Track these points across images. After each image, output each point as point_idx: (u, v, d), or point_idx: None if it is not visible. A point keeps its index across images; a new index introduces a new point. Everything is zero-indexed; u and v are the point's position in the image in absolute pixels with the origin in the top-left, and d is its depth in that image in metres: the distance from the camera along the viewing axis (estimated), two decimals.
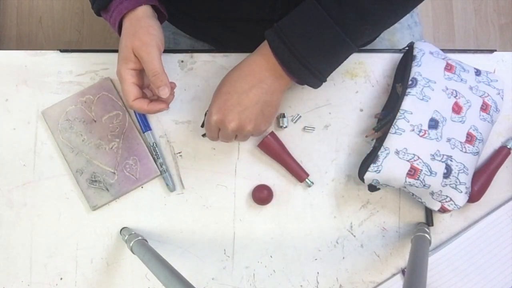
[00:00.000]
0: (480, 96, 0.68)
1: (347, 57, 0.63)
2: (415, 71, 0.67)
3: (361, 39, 0.61)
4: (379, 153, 0.64)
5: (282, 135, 0.72)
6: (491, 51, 0.74)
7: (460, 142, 0.65)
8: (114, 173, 0.71)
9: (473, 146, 0.65)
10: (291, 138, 0.72)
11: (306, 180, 0.70)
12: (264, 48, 0.62)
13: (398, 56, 0.73)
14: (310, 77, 0.61)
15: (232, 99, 0.62)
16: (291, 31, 0.60)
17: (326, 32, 0.59)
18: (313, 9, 0.59)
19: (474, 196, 0.68)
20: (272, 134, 0.70)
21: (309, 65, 0.60)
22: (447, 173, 0.64)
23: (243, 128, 0.63)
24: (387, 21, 0.62)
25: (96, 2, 0.65)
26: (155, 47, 0.62)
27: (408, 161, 0.63)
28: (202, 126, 0.72)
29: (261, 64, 0.62)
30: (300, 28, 0.59)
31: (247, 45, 0.78)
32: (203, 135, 0.72)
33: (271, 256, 0.71)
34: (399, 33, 0.86)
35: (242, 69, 0.63)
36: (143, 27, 0.62)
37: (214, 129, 0.65)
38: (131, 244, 0.64)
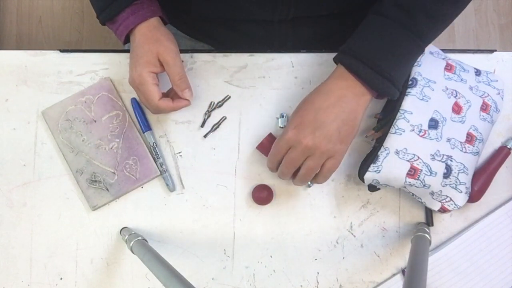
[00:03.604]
0: (480, 96, 0.68)
1: (416, 60, 0.66)
2: (415, 71, 0.67)
3: (430, 40, 0.64)
4: (379, 153, 0.64)
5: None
6: (491, 51, 0.74)
7: (460, 142, 0.65)
8: (114, 173, 0.71)
9: (473, 146, 0.65)
10: None
11: None
12: (339, 72, 0.63)
13: None
14: (391, 87, 0.61)
15: (309, 115, 0.61)
16: (366, 51, 0.61)
17: (402, 41, 0.61)
18: (382, 22, 0.61)
19: (474, 196, 0.68)
20: (270, 135, 0.70)
21: (390, 76, 0.61)
22: (447, 173, 0.64)
23: (318, 147, 0.60)
24: (452, 19, 0.64)
25: (103, 14, 0.67)
26: (178, 53, 0.67)
27: (408, 161, 0.63)
28: (202, 126, 0.72)
29: (340, 84, 0.62)
30: (375, 45, 0.61)
31: (247, 46, 0.79)
32: (205, 136, 0.72)
33: (271, 256, 0.71)
34: None
35: (320, 90, 0.63)
36: (164, 35, 0.67)
37: (283, 150, 0.62)
38: (131, 244, 0.64)
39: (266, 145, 0.70)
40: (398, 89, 0.62)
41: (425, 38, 0.63)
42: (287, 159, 0.62)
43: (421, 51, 0.64)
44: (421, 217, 0.71)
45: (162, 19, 0.69)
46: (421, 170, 0.63)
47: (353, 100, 0.61)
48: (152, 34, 0.66)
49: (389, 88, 0.61)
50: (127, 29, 0.66)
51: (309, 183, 0.70)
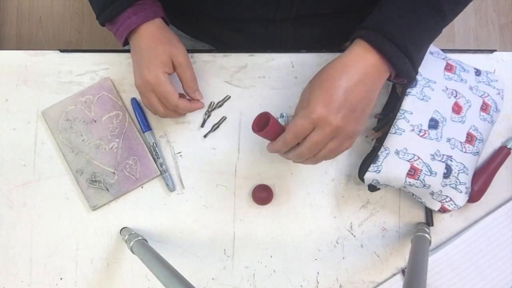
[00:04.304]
0: (480, 96, 0.68)
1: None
2: None
3: (448, 23, 0.62)
4: (379, 153, 0.64)
5: None
6: (491, 51, 0.74)
7: (460, 142, 0.65)
8: (114, 173, 0.71)
9: (473, 146, 0.65)
10: None
11: None
12: (360, 48, 0.58)
13: None
14: (411, 69, 0.59)
15: (337, 93, 0.56)
16: (393, 27, 0.58)
17: (426, 20, 0.59)
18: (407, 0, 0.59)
19: (474, 196, 0.68)
20: (266, 114, 0.58)
21: (411, 56, 0.58)
22: (447, 173, 0.64)
23: (346, 129, 0.56)
24: (468, 3, 0.63)
25: (103, 14, 0.66)
26: (188, 55, 0.67)
27: (408, 161, 0.63)
28: (202, 126, 0.72)
29: (364, 60, 0.58)
30: (401, 22, 0.58)
31: (248, 45, 0.79)
32: (205, 136, 0.72)
33: (271, 256, 0.71)
34: None
35: (343, 65, 0.58)
36: (173, 36, 0.67)
37: (307, 131, 0.57)
38: (131, 244, 0.64)
39: (266, 126, 0.58)
40: (416, 72, 0.60)
41: (445, 19, 0.60)
42: (311, 141, 0.57)
43: (439, 33, 0.61)
44: (421, 217, 0.71)
45: (164, 20, 0.68)
46: (421, 170, 0.63)
47: (375, 78, 0.58)
48: (161, 35, 0.66)
49: (409, 69, 0.58)
50: (128, 29, 0.65)
51: None
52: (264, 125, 0.58)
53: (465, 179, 0.65)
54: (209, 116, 0.73)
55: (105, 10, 0.65)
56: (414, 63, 0.59)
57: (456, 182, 0.64)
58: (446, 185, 0.64)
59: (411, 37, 0.58)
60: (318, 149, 0.58)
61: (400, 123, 0.64)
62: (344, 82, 0.56)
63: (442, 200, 0.66)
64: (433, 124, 0.64)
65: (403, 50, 0.57)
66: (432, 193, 0.65)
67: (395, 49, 0.57)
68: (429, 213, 0.70)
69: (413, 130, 0.64)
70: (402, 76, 0.60)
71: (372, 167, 0.64)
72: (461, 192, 0.65)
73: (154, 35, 0.65)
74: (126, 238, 0.66)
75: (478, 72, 0.70)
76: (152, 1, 0.67)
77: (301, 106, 0.59)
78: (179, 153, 0.72)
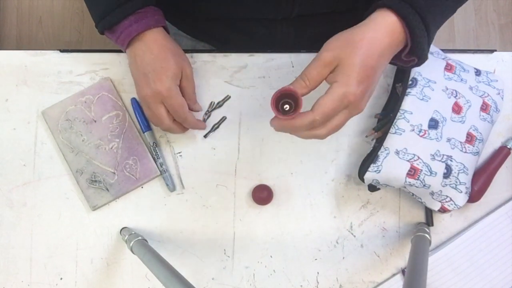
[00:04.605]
0: (480, 96, 0.68)
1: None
2: (415, 71, 0.67)
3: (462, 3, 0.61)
4: (379, 153, 0.64)
5: (282, 134, 0.72)
6: (491, 51, 0.74)
7: (460, 142, 0.65)
8: (114, 173, 0.71)
9: (473, 146, 0.65)
10: (291, 138, 0.72)
11: None
12: (385, 18, 0.54)
13: None
14: (426, 47, 0.55)
15: (370, 71, 0.52)
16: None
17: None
18: None
19: (474, 196, 0.68)
20: (289, 90, 0.53)
21: (430, 32, 0.55)
22: (447, 173, 0.64)
23: (360, 102, 0.52)
24: None
25: (102, 22, 0.64)
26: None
27: (408, 161, 0.63)
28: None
29: (391, 32, 0.53)
30: None
31: (249, 45, 0.79)
32: (205, 136, 0.72)
33: (271, 256, 0.71)
34: None
35: (370, 37, 0.53)
36: (179, 47, 0.68)
37: (333, 116, 0.52)
38: (131, 244, 0.64)
39: (285, 104, 0.54)
40: (428, 51, 0.56)
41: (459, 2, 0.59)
42: (337, 121, 0.53)
43: (452, 14, 0.60)
44: (421, 217, 0.71)
45: (164, 29, 0.67)
46: (421, 170, 0.63)
47: (393, 52, 0.54)
48: (170, 44, 0.65)
49: (425, 47, 0.55)
50: (130, 36, 0.63)
51: None
52: (282, 103, 0.54)
53: (465, 179, 0.65)
54: (209, 116, 0.73)
55: (105, 18, 0.63)
56: (430, 39, 0.55)
57: (456, 182, 0.64)
58: (446, 185, 0.64)
59: (434, 12, 0.55)
60: (338, 130, 0.54)
61: (400, 123, 0.64)
62: (374, 60, 0.52)
63: (442, 200, 0.66)
64: (433, 124, 0.64)
65: (425, 23, 0.54)
66: (432, 193, 0.65)
67: (419, 20, 0.53)
68: (429, 213, 0.70)
69: (413, 130, 0.64)
70: (415, 53, 0.56)
71: (372, 167, 0.64)
72: (461, 192, 0.65)
73: (163, 44, 0.64)
74: (126, 238, 0.66)
75: (478, 72, 0.70)
76: (154, 9, 0.65)
77: (323, 64, 0.53)
78: (179, 153, 0.72)
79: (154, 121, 0.68)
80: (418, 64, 0.57)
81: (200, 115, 0.73)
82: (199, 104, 0.71)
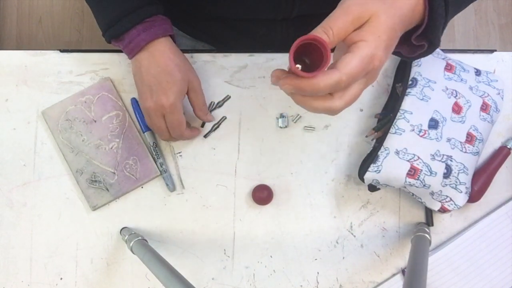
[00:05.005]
0: (480, 96, 0.68)
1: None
2: (415, 71, 0.67)
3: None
4: (379, 153, 0.64)
5: (282, 134, 0.72)
6: (491, 51, 0.74)
7: (460, 142, 0.65)
8: (114, 173, 0.71)
9: (473, 146, 0.65)
10: (291, 138, 0.72)
11: None
12: None
13: None
14: (441, 31, 0.50)
15: (395, 37, 0.46)
16: None
17: None
18: None
19: (474, 196, 0.68)
20: (323, 43, 0.46)
21: (448, 17, 0.50)
22: (447, 173, 0.64)
23: (378, 69, 0.46)
24: None
25: (110, 30, 0.63)
26: (199, 78, 0.68)
27: (408, 161, 0.63)
28: (202, 126, 0.72)
29: (417, 1, 0.47)
30: None
31: (249, 45, 0.79)
32: (205, 136, 0.72)
33: (271, 256, 0.71)
34: None
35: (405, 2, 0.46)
36: (186, 58, 0.67)
37: (360, 76, 0.45)
38: (131, 244, 0.64)
39: (307, 56, 0.47)
40: (440, 38, 0.51)
41: None
42: (354, 91, 0.46)
43: (464, 7, 0.57)
44: (421, 217, 0.71)
45: (171, 37, 0.67)
46: (421, 170, 0.63)
47: (408, 24, 0.48)
48: (177, 57, 0.64)
49: (439, 28, 0.49)
50: (139, 47, 0.63)
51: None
52: (304, 54, 0.46)
53: (465, 179, 0.65)
54: None
55: (113, 26, 0.63)
56: (445, 24, 0.50)
57: (456, 182, 0.64)
58: (446, 185, 0.64)
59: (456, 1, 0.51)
60: (352, 84, 0.46)
61: (400, 123, 0.64)
62: (396, 22, 0.46)
63: (442, 200, 0.66)
64: (433, 124, 0.64)
65: (446, 2, 0.48)
66: (432, 193, 0.65)
67: (443, 4, 0.48)
68: (429, 213, 0.70)
69: (413, 130, 0.64)
70: (428, 35, 0.50)
71: (372, 167, 0.64)
72: (461, 192, 0.65)
73: (170, 58, 0.64)
74: (126, 238, 0.66)
75: (478, 72, 0.70)
76: (162, 18, 0.65)
77: (351, 19, 0.45)
78: (179, 153, 0.72)
79: (153, 130, 0.69)
80: (426, 53, 0.52)
81: None
82: (211, 114, 0.71)
